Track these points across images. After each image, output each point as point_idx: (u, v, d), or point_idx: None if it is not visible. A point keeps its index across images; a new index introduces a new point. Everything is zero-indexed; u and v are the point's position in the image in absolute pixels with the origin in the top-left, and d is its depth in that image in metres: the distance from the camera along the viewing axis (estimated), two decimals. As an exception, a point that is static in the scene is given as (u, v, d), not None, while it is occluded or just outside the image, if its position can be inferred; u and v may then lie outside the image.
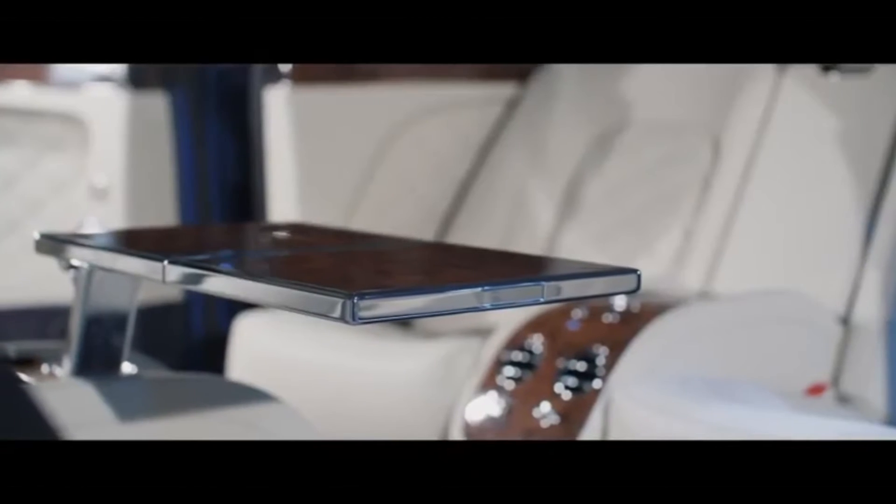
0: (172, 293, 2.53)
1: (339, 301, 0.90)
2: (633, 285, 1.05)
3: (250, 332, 2.32)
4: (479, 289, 0.96)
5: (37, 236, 1.29)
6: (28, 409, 0.65)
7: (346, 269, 1.12)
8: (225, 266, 1.08)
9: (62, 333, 1.32)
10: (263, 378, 1.71)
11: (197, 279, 1.05)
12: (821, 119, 2.21)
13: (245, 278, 1.01)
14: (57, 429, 0.65)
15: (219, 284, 1.03)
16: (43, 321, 2.39)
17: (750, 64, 2.33)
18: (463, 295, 0.96)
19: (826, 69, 2.11)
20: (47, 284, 2.16)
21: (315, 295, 0.92)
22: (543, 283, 1.00)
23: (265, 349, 2.30)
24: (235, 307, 2.41)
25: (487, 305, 0.97)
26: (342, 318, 0.89)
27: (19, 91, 2.52)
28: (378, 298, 0.91)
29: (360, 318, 0.89)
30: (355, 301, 0.89)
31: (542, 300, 1.00)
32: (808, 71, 2.24)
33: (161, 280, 1.08)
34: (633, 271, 1.05)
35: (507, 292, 0.98)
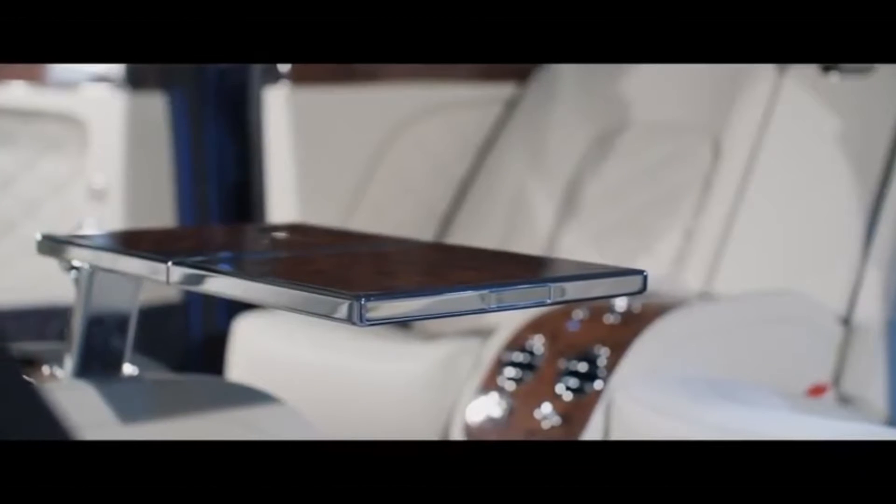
0: (171, 294, 2.52)
1: (347, 303, 0.90)
2: (639, 286, 1.05)
3: (250, 333, 2.31)
4: (486, 290, 0.96)
5: (38, 237, 1.29)
6: (34, 410, 0.64)
7: (352, 271, 1.12)
8: (229, 267, 1.08)
9: (60, 335, 1.31)
10: (263, 379, 1.70)
11: (201, 280, 1.05)
12: (821, 119, 2.21)
13: (251, 279, 1.01)
14: (61, 429, 0.65)
15: (224, 286, 1.03)
16: (41, 322, 2.38)
17: (750, 64, 2.33)
18: (469, 296, 0.95)
19: (826, 69, 2.11)
20: (45, 285, 2.16)
21: (322, 297, 0.92)
22: (550, 284, 1.00)
23: (265, 350, 2.30)
24: (234, 308, 2.40)
25: (493, 307, 0.96)
26: (349, 320, 0.89)
27: (17, 91, 2.51)
28: (385, 300, 0.91)
29: (368, 320, 0.89)
30: (362, 303, 0.89)
31: (548, 301, 1.00)
32: (809, 71, 2.23)
33: (165, 281, 1.08)
34: (640, 272, 1.05)
35: (514, 294, 0.98)
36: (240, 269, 1.10)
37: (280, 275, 1.05)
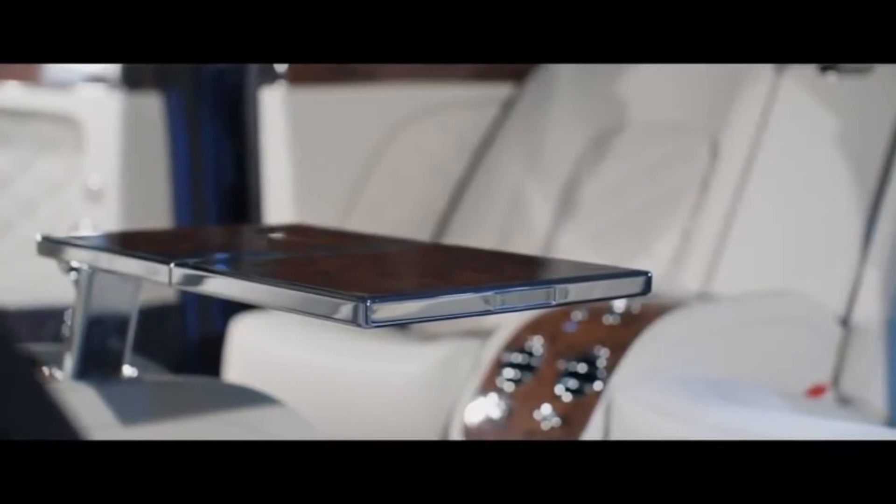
0: (168, 294, 2.52)
1: (352, 304, 0.89)
2: (643, 287, 1.05)
3: (247, 334, 2.31)
4: (491, 292, 0.96)
5: (38, 238, 1.28)
6: (43, 410, 0.64)
7: (354, 272, 1.11)
8: (231, 268, 1.08)
9: (57, 335, 1.31)
10: (261, 380, 1.70)
11: (205, 282, 1.04)
12: (819, 119, 2.21)
13: (254, 281, 1.01)
14: (69, 430, 0.65)
15: (227, 287, 1.03)
16: (38, 323, 2.37)
17: (748, 64, 2.33)
18: (474, 298, 0.95)
19: (824, 69, 2.11)
20: (42, 286, 2.15)
21: (328, 298, 0.92)
22: (555, 285, 1.00)
23: (262, 351, 2.29)
24: (231, 308, 2.40)
25: (497, 308, 0.96)
26: (355, 322, 0.89)
27: (12, 91, 2.51)
28: (390, 301, 0.90)
29: (373, 322, 0.89)
30: (368, 304, 0.89)
31: (553, 303, 1.00)
32: (807, 71, 2.23)
33: (167, 283, 1.08)
34: (644, 273, 1.05)
35: (518, 295, 0.97)
36: (241, 271, 1.09)
37: (283, 276, 1.05)
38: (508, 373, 1.93)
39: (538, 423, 1.84)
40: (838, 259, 2.11)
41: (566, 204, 2.53)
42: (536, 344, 1.93)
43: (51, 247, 1.26)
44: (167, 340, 2.56)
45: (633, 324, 1.90)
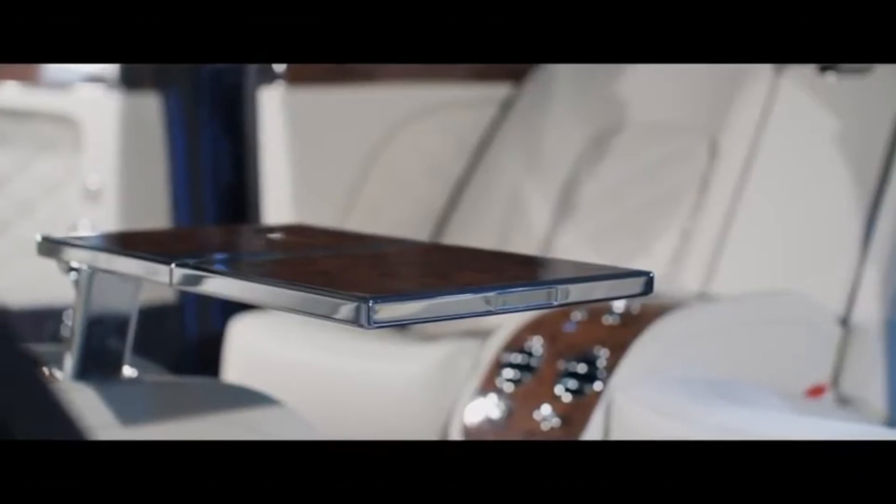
0: (166, 294, 2.52)
1: (355, 304, 0.89)
2: (644, 288, 1.05)
3: (247, 334, 2.31)
4: (493, 292, 0.96)
5: (38, 238, 1.28)
6: (46, 410, 0.64)
7: (355, 272, 1.11)
8: (231, 268, 1.08)
9: (56, 336, 1.31)
10: (260, 380, 1.70)
11: (206, 282, 1.04)
12: (819, 119, 2.21)
13: (256, 282, 1.01)
14: (73, 430, 0.65)
15: (228, 287, 1.03)
16: (38, 323, 2.37)
17: (747, 64, 2.33)
18: (476, 299, 0.95)
19: (823, 69, 2.11)
20: (41, 286, 2.15)
21: (329, 298, 0.92)
22: (556, 286, 0.99)
23: (261, 351, 2.29)
24: (230, 308, 2.40)
25: (499, 309, 0.96)
26: (357, 322, 0.89)
27: (10, 91, 2.51)
28: (392, 302, 0.90)
29: (375, 322, 0.89)
30: (370, 304, 0.89)
31: (554, 303, 1.00)
32: (806, 71, 2.24)
33: (168, 283, 1.08)
34: (645, 273, 1.05)
35: (520, 295, 0.97)
36: (243, 271, 1.09)
37: (283, 276, 1.04)
38: (508, 373, 1.92)
39: (538, 423, 1.84)
40: (838, 259, 2.11)
41: (565, 204, 2.53)
42: (536, 344, 1.93)
43: (51, 247, 1.26)
44: (167, 340, 2.56)
45: (633, 324, 1.90)
